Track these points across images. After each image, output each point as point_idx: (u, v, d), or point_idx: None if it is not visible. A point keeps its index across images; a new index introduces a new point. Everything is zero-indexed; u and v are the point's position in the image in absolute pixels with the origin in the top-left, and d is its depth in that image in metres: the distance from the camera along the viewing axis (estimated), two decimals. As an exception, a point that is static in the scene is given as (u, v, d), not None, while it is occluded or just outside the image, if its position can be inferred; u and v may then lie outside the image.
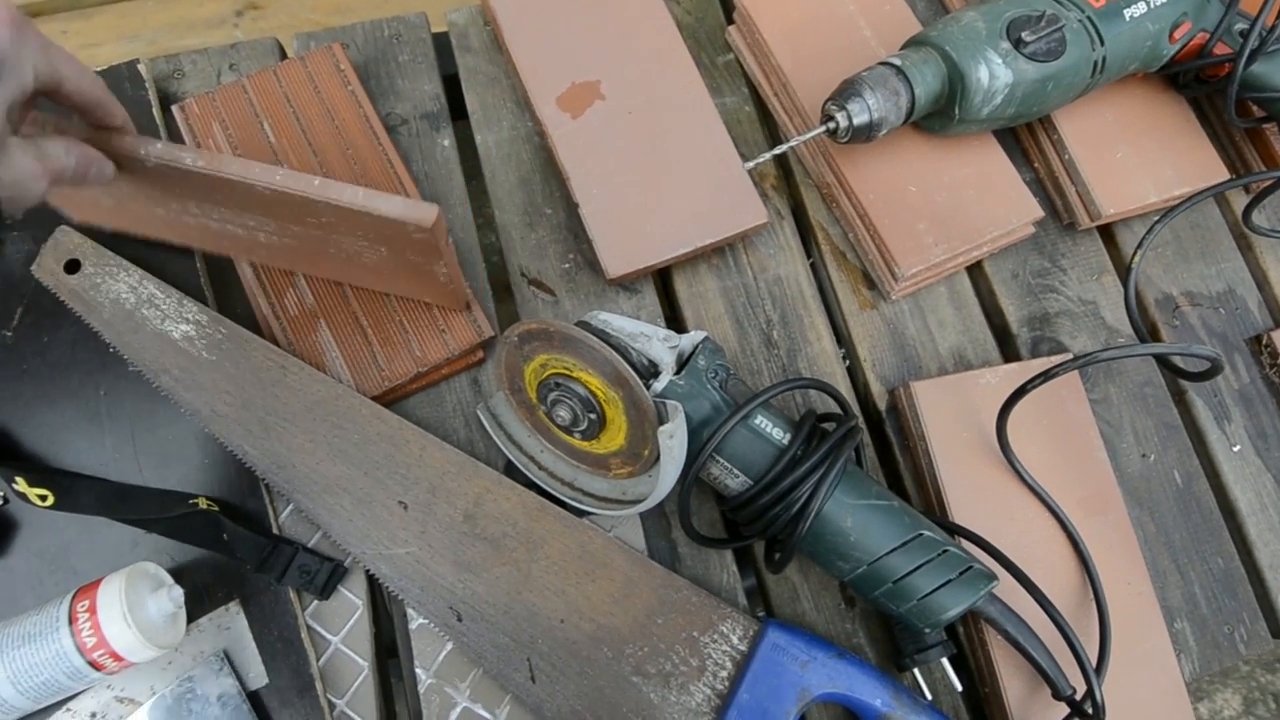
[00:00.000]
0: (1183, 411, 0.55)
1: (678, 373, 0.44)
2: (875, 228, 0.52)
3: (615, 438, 0.44)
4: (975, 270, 0.57)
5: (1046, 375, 0.43)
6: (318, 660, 0.45)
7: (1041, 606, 0.44)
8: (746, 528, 0.45)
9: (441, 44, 0.59)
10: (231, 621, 0.45)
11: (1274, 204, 0.61)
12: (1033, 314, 0.56)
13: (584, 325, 0.45)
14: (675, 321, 0.55)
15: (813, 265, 0.57)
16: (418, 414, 0.50)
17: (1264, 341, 0.56)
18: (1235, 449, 0.54)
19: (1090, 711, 0.43)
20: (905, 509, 0.44)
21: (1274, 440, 0.55)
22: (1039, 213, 0.54)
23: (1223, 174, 0.57)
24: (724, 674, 0.45)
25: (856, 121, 0.48)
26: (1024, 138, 0.59)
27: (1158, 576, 0.51)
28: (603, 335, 0.44)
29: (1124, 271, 0.57)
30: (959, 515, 0.49)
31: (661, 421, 0.40)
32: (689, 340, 0.46)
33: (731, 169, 0.53)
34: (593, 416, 0.42)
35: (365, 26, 0.58)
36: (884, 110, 0.48)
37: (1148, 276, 0.58)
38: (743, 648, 0.46)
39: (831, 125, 0.49)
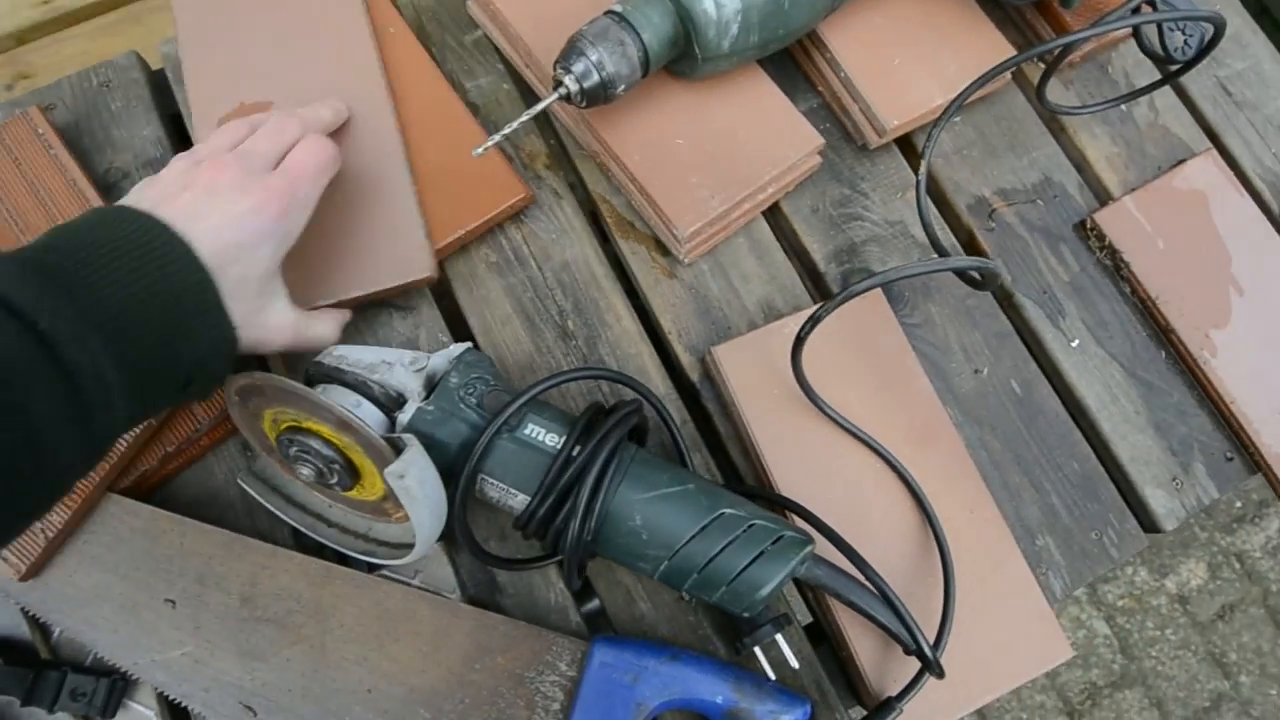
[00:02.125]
0: (1013, 317, 0.52)
1: (427, 397, 0.40)
2: (647, 191, 0.48)
3: (375, 482, 0.39)
4: (773, 214, 0.53)
5: (814, 319, 0.39)
6: (115, 787, 0.41)
7: (859, 568, 0.40)
8: (544, 545, 0.41)
9: (161, 81, 0.54)
10: (10, 767, 0.41)
11: (1083, 79, 0.58)
12: (839, 247, 0.52)
13: (316, 366, 0.41)
14: (464, 335, 0.50)
15: (604, 240, 0.53)
16: (186, 495, 0.45)
17: (1089, 225, 0.53)
18: (1074, 344, 0.51)
19: (938, 665, 0.40)
20: (705, 489, 0.40)
21: (1115, 326, 0.52)
22: (818, 140, 0.50)
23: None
24: (556, 707, 0.42)
25: (586, 84, 0.44)
26: (803, 63, 0.55)
27: (1010, 495, 0.48)
28: (335, 374, 0.40)
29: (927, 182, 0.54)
30: (781, 476, 0.45)
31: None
32: (442, 358, 0.42)
33: (403, 215, 0.47)
34: (337, 466, 0.38)
35: (72, 80, 0.52)
36: (613, 65, 0.44)
37: (956, 182, 0.54)
38: (572, 674, 0.42)
39: (562, 91, 0.45)
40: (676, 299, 0.51)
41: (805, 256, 0.53)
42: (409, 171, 0.48)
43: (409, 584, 0.44)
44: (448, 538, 0.44)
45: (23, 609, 0.42)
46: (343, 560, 0.44)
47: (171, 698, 0.41)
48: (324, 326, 0.43)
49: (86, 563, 0.42)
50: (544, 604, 0.45)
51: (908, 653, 0.41)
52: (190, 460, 0.46)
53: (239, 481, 0.44)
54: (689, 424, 0.48)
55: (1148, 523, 0.49)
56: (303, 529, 0.44)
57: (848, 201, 0.53)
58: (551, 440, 0.40)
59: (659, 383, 0.49)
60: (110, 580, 0.42)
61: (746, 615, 0.40)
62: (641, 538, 0.39)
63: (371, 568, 0.44)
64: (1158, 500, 0.49)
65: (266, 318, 0.39)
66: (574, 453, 0.39)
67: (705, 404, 0.49)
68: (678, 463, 0.45)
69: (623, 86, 0.45)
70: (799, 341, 0.42)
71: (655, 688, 0.41)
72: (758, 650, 0.43)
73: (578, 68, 0.44)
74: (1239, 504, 1.20)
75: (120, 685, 0.42)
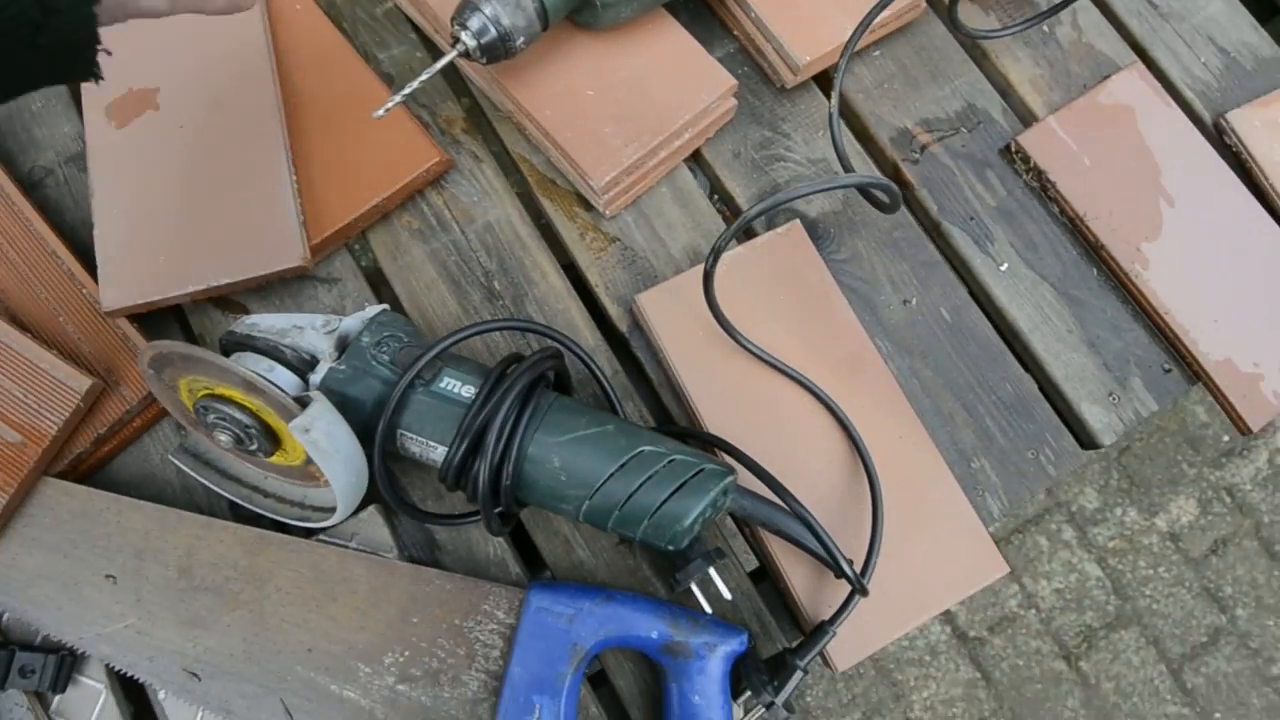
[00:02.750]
0: (942, 246, 0.52)
1: (339, 358, 0.40)
2: (560, 145, 0.48)
3: (296, 446, 0.40)
4: (696, 160, 0.53)
5: (715, 251, 0.39)
6: (71, 760, 0.42)
7: (776, 493, 0.40)
8: (468, 497, 0.41)
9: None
10: (-32, 748, 0.42)
11: (1002, 3, 0.57)
12: (763, 189, 0.52)
13: (229, 335, 0.41)
14: (390, 303, 0.51)
15: (525, 200, 0.53)
16: (124, 477, 0.46)
17: (1014, 149, 0.53)
18: (1003, 267, 0.51)
19: (863, 587, 0.40)
20: (624, 429, 0.40)
21: (1045, 248, 0.52)
22: (730, 82, 0.50)
23: (923, -16, 0.53)
24: (495, 654, 0.42)
25: (484, 39, 0.44)
26: (717, 9, 0.55)
27: (943, 422, 0.48)
28: (246, 340, 0.40)
29: (848, 118, 0.54)
30: (709, 417, 0.45)
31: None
32: (355, 320, 0.42)
33: (277, 201, 0.46)
34: (253, 430, 0.39)
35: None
36: (509, 18, 0.44)
37: (878, 116, 0.54)
38: (510, 621, 0.43)
39: (460, 49, 0.45)
40: (602, 253, 0.51)
41: (730, 201, 0.53)
42: (287, 159, 0.47)
43: (346, 546, 0.44)
44: (382, 500, 0.45)
45: (-31, 594, 0.43)
46: (282, 529, 0.44)
47: (118, 669, 0.42)
48: None
49: (28, 545, 0.43)
50: (483, 558, 0.45)
51: (838, 577, 0.42)
52: (125, 443, 0.46)
53: (171, 458, 0.45)
54: (620, 374, 0.49)
55: (1086, 439, 0.49)
56: (238, 500, 0.45)
57: (769, 143, 0.53)
58: (467, 392, 0.40)
59: (588, 335, 0.49)
60: (52, 560, 0.43)
61: (673, 549, 0.40)
62: (561, 479, 0.39)
63: (310, 534, 0.44)
64: (1095, 416, 0.49)
65: None
66: (487, 401, 0.39)
67: (636, 353, 0.49)
68: (609, 412, 0.46)
69: (522, 39, 0.45)
70: (708, 276, 0.42)
71: (591, 627, 0.41)
72: (694, 587, 0.43)
73: (474, 23, 0.44)
74: (1226, 438, 1.19)
75: (69, 660, 0.42)
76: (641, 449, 0.40)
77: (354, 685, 0.42)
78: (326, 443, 0.36)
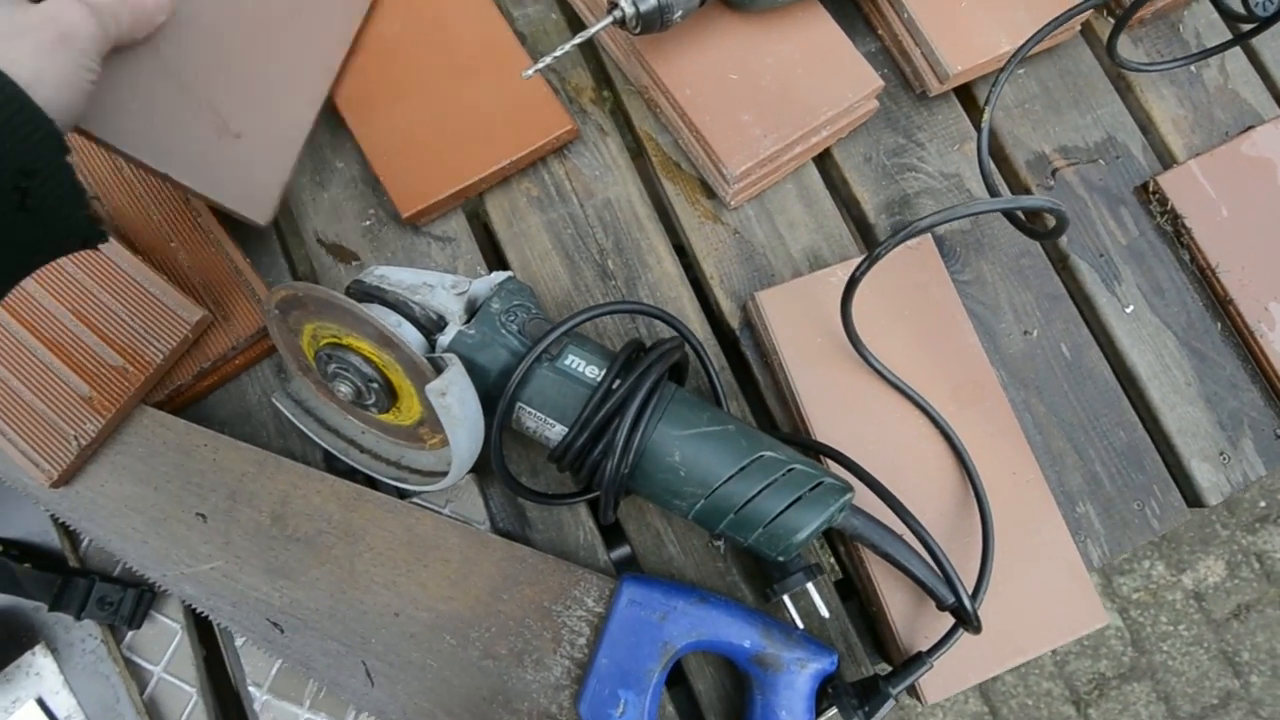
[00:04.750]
0: (1067, 279, 0.50)
1: (468, 321, 0.39)
2: (697, 127, 0.47)
3: (413, 405, 0.39)
4: (824, 160, 0.52)
5: (872, 259, 0.38)
6: (141, 693, 0.41)
7: (900, 516, 0.39)
8: (578, 479, 0.40)
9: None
10: (40, 666, 0.41)
11: (1152, 37, 0.55)
12: (891, 198, 0.51)
13: (357, 284, 0.40)
14: (502, 268, 0.49)
15: (647, 181, 0.51)
16: (219, 414, 0.45)
17: (1150, 188, 0.51)
18: (1129, 310, 0.50)
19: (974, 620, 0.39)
20: (745, 431, 0.39)
21: (1171, 294, 0.50)
22: (877, 83, 0.48)
23: (1083, 9, 0.51)
24: (582, 641, 0.41)
25: (643, 7, 0.42)
26: (864, 4, 0.53)
27: (1053, 460, 0.47)
28: (376, 292, 0.39)
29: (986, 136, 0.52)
30: (820, 427, 0.44)
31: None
32: (484, 284, 0.41)
33: (279, 152, 0.44)
34: (375, 385, 0.38)
35: None
36: (672, -11, 0.42)
37: (1016, 137, 0.52)
38: (600, 610, 0.42)
39: (617, 15, 0.43)
40: (719, 243, 0.50)
41: (855, 206, 0.51)
42: (310, 127, 0.45)
43: (440, 512, 0.43)
44: (479, 469, 0.44)
45: (52, 516, 0.42)
46: (373, 486, 0.43)
47: (199, 611, 0.41)
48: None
49: (119, 473, 0.42)
50: (573, 541, 0.44)
51: (941, 608, 0.40)
52: (224, 379, 0.45)
53: (273, 401, 0.43)
54: (726, 370, 0.47)
55: (1191, 496, 0.48)
56: (335, 452, 0.43)
57: (902, 151, 0.52)
58: (592, 372, 0.39)
59: (698, 327, 0.48)
60: (142, 492, 0.42)
61: (780, 559, 0.39)
62: (679, 475, 0.38)
63: (402, 494, 0.43)
64: (1203, 474, 0.47)
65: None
66: (614, 385, 0.38)
67: (744, 351, 0.48)
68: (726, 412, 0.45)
69: (679, 12, 0.43)
70: (852, 283, 0.40)
71: (683, 628, 0.40)
72: (787, 599, 0.42)
73: (635, -9, 0.42)
74: (1263, 503, 1.18)
75: (148, 596, 0.42)
76: (763, 454, 0.39)
77: (437, 656, 0.41)
78: (459, 409, 0.35)
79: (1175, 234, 0.51)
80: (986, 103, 0.45)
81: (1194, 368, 0.49)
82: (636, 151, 0.52)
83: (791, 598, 0.42)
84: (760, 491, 0.38)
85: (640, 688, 0.39)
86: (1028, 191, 0.52)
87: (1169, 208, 0.50)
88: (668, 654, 0.40)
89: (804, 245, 0.50)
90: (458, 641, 0.41)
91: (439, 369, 0.36)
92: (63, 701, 0.40)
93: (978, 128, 0.46)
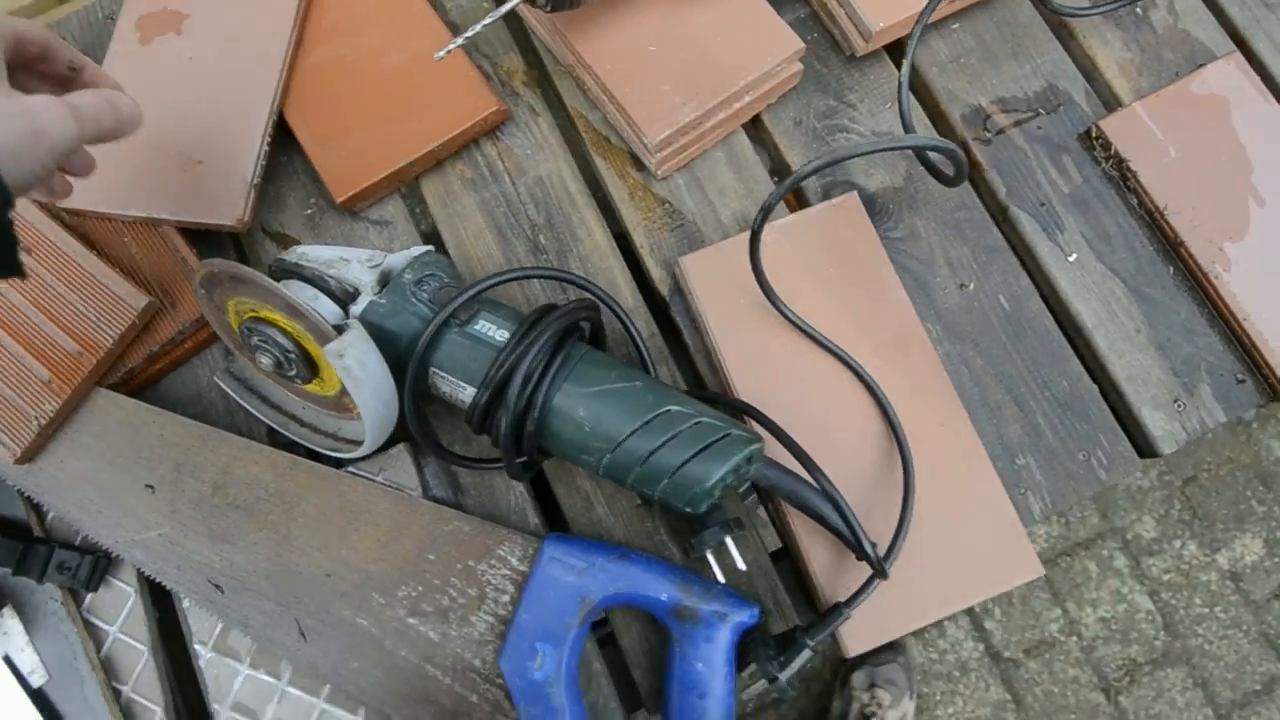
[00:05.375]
0: (1007, 231, 0.49)
1: (380, 291, 0.41)
2: (618, 100, 0.48)
3: (332, 375, 0.41)
4: (756, 126, 0.52)
5: (764, 209, 0.38)
6: (98, 651, 0.44)
7: (804, 466, 0.39)
8: (492, 441, 0.41)
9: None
10: (7, 627, 0.44)
11: (1097, -18, 0.54)
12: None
13: (278, 262, 0.42)
14: (439, 249, 0.51)
15: (579, 157, 0.52)
16: (173, 395, 0.48)
17: (1094, 134, 0.50)
18: (1071, 258, 0.48)
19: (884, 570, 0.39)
20: (652, 387, 0.40)
21: (1118, 240, 0.49)
22: (797, 45, 0.48)
23: (1013, -43, 0.50)
24: (505, 599, 0.42)
25: (548, -16, 0.44)
26: (790, -30, 0.53)
27: (990, 414, 0.46)
28: (294, 269, 0.41)
29: (920, 92, 0.52)
30: (742, 385, 0.44)
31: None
32: (400, 257, 0.43)
33: (239, 157, 0.47)
34: (293, 356, 0.40)
35: (79, 14, 0.55)
36: (576, -36, 0.43)
37: (951, 92, 0.52)
38: (524, 569, 0.43)
39: (525, -6, 0.44)
40: (650, 214, 0.50)
41: (785, 170, 0.51)
42: (268, 124, 0.48)
43: (373, 480, 0.45)
44: (413, 440, 0.45)
45: (19, 491, 0.45)
46: (316, 459, 0.45)
47: (149, 574, 0.43)
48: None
49: (76, 450, 0.45)
50: (504, 506, 0.45)
51: (859, 558, 0.40)
52: (175, 363, 0.48)
53: (216, 379, 0.46)
54: (656, 337, 0.48)
55: (1145, 446, 0.46)
56: (276, 426, 0.46)
57: (833, 113, 0.51)
58: (501, 335, 0.40)
59: (628, 296, 0.49)
60: (97, 466, 0.44)
61: (691, 512, 0.39)
62: (584, 430, 0.39)
63: (338, 464, 0.45)
64: (1156, 422, 0.46)
65: None
66: (518, 345, 0.39)
67: (675, 318, 0.48)
68: (641, 370, 0.45)
69: (587, -13, 0.44)
70: (754, 235, 0.41)
71: (601, 582, 0.41)
72: (709, 555, 0.42)
73: (540, -32, 0.43)
74: None
75: (103, 562, 0.44)
76: (668, 408, 0.39)
77: (367, 614, 0.42)
78: (359, 370, 0.37)
79: (1121, 178, 0.49)
80: (905, 50, 0.45)
81: (1144, 314, 0.47)
82: (569, 130, 0.53)
83: (716, 554, 0.42)
84: (664, 444, 0.38)
85: (558, 640, 0.40)
86: (965, 146, 0.51)
87: (1113, 152, 0.49)
88: (585, 608, 0.41)
89: (734, 211, 0.50)
90: (385, 600, 0.42)
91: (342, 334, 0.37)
92: (27, 659, 0.43)
93: (900, 74, 0.46)
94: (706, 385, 0.47)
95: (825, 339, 0.44)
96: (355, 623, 0.42)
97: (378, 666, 0.42)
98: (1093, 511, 1.10)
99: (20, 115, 0.31)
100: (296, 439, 0.45)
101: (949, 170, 0.41)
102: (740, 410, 0.43)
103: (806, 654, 0.39)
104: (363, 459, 0.45)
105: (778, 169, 0.52)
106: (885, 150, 0.37)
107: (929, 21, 0.51)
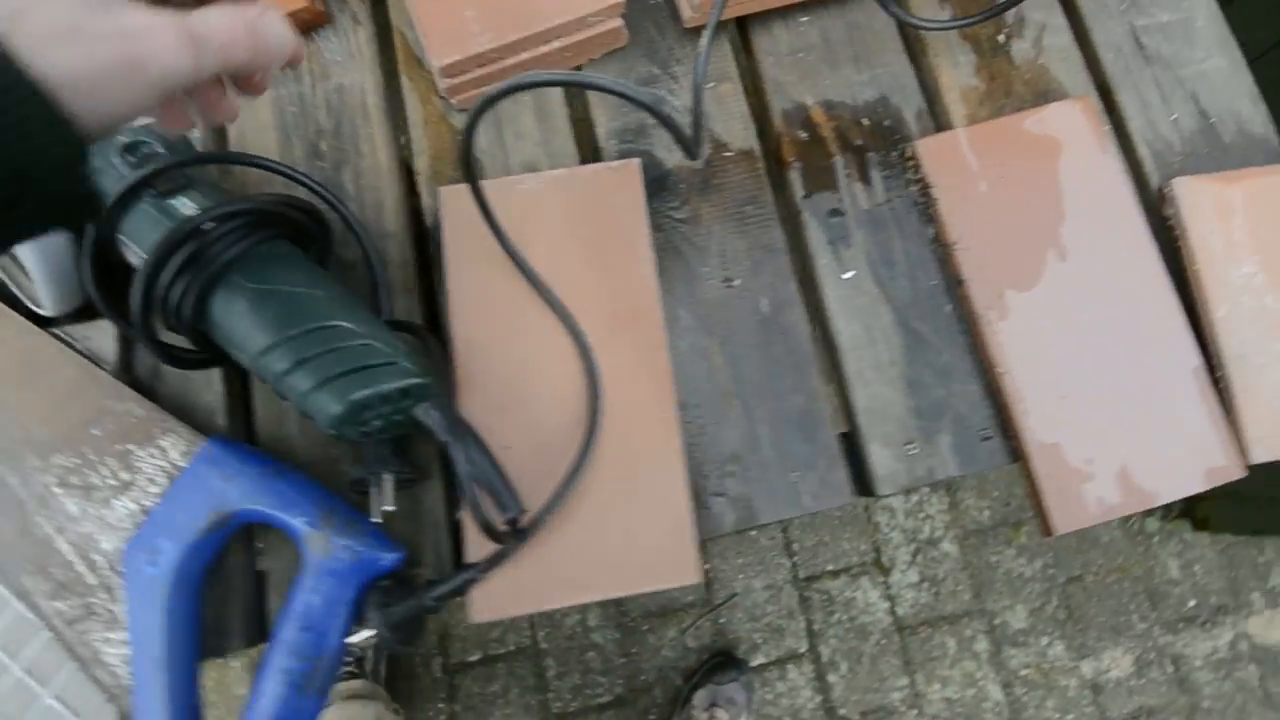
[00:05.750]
0: (791, 233, 0.47)
1: (94, 149, 0.39)
2: (418, 16, 0.46)
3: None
4: (570, 78, 0.50)
5: (475, 109, 0.36)
6: None
7: (448, 415, 0.37)
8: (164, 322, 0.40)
9: None
10: None
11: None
12: (628, 125, 0.48)
13: None
14: (221, 136, 0.49)
15: (392, 75, 0.51)
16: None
17: (907, 154, 0.47)
18: (846, 275, 0.45)
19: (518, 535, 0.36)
20: (332, 300, 0.38)
21: (902, 267, 0.46)
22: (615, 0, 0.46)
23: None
24: (155, 490, 0.41)
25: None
26: (648, -70, 0.51)
27: (713, 413, 0.43)
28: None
29: (751, 79, 0.49)
30: (459, 322, 0.42)
31: None
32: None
33: None
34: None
35: None
36: None
37: (779, 84, 0.49)
38: (183, 464, 0.41)
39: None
40: (440, 143, 0.48)
41: (590, 128, 0.49)
42: None
43: (73, 347, 0.43)
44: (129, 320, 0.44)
45: None
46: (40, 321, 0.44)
47: None
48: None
49: None
50: (198, 404, 0.44)
51: (505, 523, 0.38)
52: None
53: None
54: (410, 266, 0.46)
55: (864, 482, 0.43)
56: (5, 279, 0.44)
57: (653, 81, 0.49)
58: (191, 211, 0.38)
59: (391, 220, 0.47)
60: None
61: (337, 435, 0.37)
62: (242, 324, 0.37)
63: (48, 324, 0.44)
64: (881, 460, 0.43)
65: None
66: (202, 225, 0.37)
67: (430, 248, 0.46)
68: (370, 298, 0.43)
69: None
70: (468, 134, 0.37)
71: (244, 493, 0.39)
72: (374, 493, 0.40)
73: None
74: (1193, 602, 1.05)
75: None
76: (337, 323, 0.37)
77: (17, 472, 0.41)
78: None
79: (926, 205, 0.46)
80: (707, 22, 0.42)
81: (906, 347, 0.44)
82: (388, 47, 0.51)
83: (382, 493, 0.40)
84: (313, 357, 0.36)
85: (180, 539, 0.38)
86: (778, 142, 0.48)
87: (920, 176, 0.46)
88: (219, 515, 0.39)
89: (525, 158, 0.48)
90: (41, 464, 0.41)
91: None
92: None
93: (744, 75, 0.43)
94: (440, 320, 0.45)
95: (549, 293, 0.42)
96: (4, 479, 0.41)
97: (12, 527, 0.40)
98: (966, 587, 1.05)
99: (113, 38, 0.24)
100: (15, 291, 0.44)
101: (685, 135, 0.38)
102: (410, 330, 0.41)
103: (413, 604, 0.37)
104: (72, 322, 0.43)
105: (582, 125, 0.50)
106: (581, 87, 0.35)
107: (781, 7, 0.48)
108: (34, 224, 0.26)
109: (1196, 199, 0.45)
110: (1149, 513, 1.10)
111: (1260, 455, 0.43)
